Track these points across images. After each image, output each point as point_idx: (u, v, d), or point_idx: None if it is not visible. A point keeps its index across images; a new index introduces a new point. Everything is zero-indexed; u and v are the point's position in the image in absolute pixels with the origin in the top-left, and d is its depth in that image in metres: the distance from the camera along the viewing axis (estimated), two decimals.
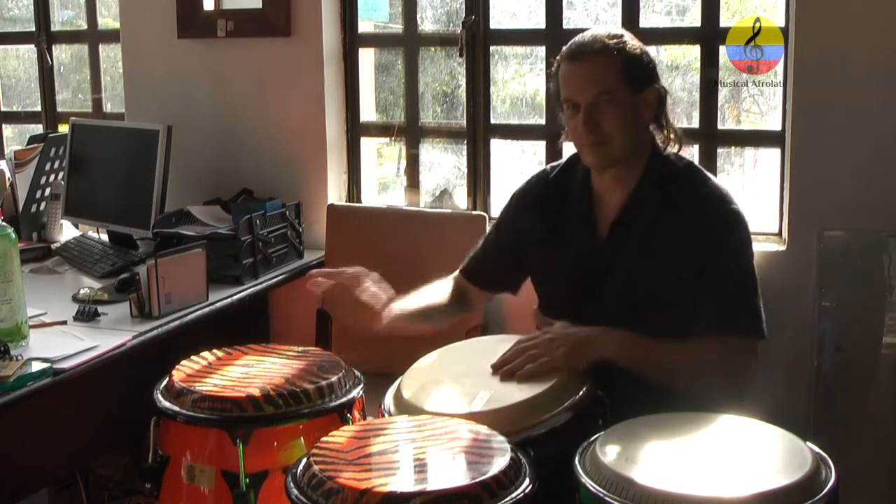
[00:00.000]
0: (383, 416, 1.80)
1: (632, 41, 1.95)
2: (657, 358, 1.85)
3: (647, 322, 1.88)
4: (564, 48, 1.97)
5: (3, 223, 2.09)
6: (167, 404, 1.86)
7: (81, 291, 2.48)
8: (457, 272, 2.23)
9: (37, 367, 1.96)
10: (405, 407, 1.78)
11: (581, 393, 1.75)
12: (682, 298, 1.89)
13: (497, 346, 1.97)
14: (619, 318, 1.91)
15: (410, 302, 2.07)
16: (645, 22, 2.73)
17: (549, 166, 2.17)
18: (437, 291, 2.18)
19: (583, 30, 1.99)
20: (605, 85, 1.90)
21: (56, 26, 3.66)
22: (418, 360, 1.97)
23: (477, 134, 2.95)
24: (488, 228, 2.32)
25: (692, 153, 2.71)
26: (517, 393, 1.74)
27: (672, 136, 2.02)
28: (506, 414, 1.68)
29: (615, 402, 1.78)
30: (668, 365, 1.84)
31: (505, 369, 1.83)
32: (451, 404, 1.75)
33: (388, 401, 1.84)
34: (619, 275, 1.96)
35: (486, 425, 1.63)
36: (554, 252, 2.06)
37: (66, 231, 3.16)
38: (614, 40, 1.93)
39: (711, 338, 1.85)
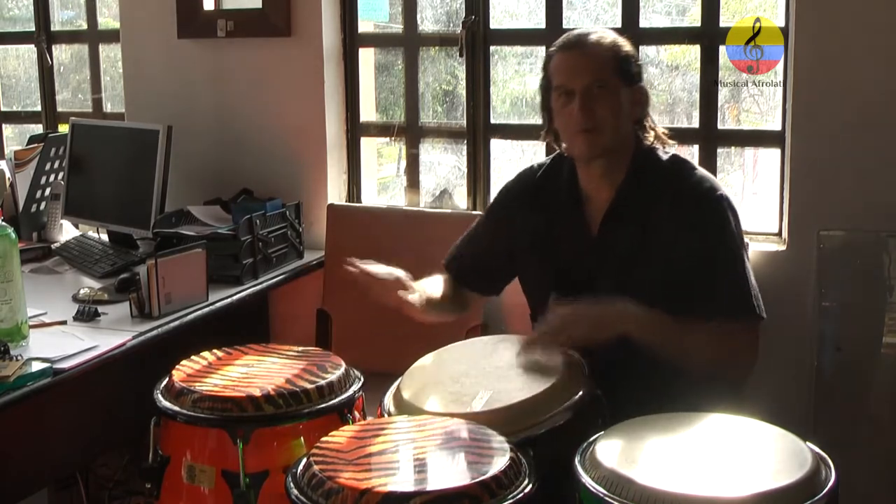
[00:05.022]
0: (383, 416, 1.80)
1: (624, 42, 2.02)
2: (677, 336, 1.84)
3: None
4: (558, 41, 2.03)
5: (3, 223, 2.09)
6: (167, 404, 1.86)
7: (81, 291, 2.48)
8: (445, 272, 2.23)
9: (37, 367, 1.96)
10: (405, 407, 1.78)
11: (580, 393, 1.75)
12: (677, 288, 1.90)
13: (496, 346, 1.97)
14: None
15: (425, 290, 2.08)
16: (645, 22, 2.73)
17: (535, 164, 2.19)
18: (438, 285, 2.17)
19: None
20: (601, 73, 1.95)
21: (56, 26, 3.65)
22: (418, 360, 1.98)
23: (477, 134, 2.95)
24: None
25: (692, 153, 2.71)
26: (517, 393, 1.74)
27: (656, 134, 2.05)
28: (506, 414, 1.69)
29: (615, 402, 1.78)
30: (686, 344, 1.84)
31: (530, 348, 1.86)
32: (451, 404, 1.75)
33: (388, 401, 1.84)
34: (612, 270, 1.97)
35: (486, 425, 1.63)
36: (544, 253, 2.07)
37: (66, 231, 3.16)
38: (609, 37, 2.01)
39: (714, 325, 1.86)
